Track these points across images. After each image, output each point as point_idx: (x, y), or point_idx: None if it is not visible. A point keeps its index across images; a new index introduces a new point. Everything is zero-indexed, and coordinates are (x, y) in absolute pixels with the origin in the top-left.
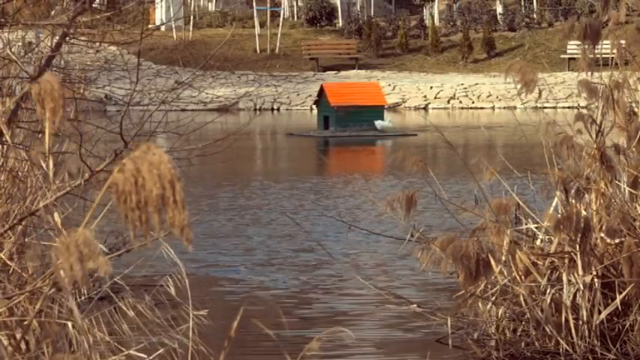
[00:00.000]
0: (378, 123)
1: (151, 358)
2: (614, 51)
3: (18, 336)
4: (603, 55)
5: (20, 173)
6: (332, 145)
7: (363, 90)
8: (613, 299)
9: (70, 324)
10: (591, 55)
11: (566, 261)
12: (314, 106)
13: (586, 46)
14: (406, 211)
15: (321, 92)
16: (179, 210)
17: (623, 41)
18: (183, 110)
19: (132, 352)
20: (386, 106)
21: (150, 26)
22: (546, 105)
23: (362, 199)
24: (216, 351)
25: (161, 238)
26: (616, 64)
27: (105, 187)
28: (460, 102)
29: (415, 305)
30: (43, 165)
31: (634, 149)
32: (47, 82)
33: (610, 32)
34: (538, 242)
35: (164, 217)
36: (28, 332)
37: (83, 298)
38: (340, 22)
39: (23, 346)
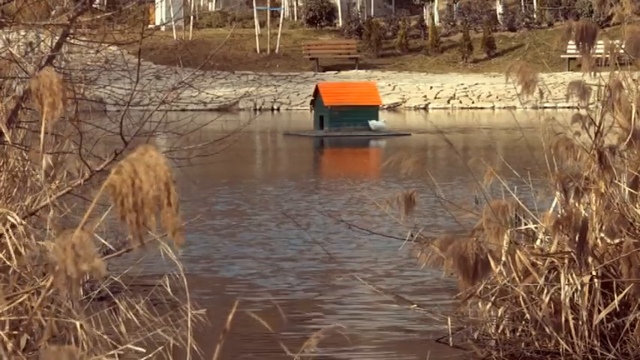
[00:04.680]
0: (372, 123)
1: (149, 357)
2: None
3: (15, 335)
4: (600, 56)
5: (20, 173)
6: (325, 145)
7: (358, 90)
8: (613, 299)
9: (77, 323)
10: (588, 58)
11: (566, 261)
12: (312, 106)
13: (582, 49)
14: (405, 210)
15: (317, 92)
16: (172, 213)
17: (617, 41)
18: (183, 110)
19: (130, 351)
20: (381, 106)
21: (150, 26)
22: (546, 105)
23: (356, 199)
24: (214, 350)
25: (159, 238)
26: (615, 64)
27: (102, 188)
28: (460, 102)
29: (415, 305)
30: (43, 163)
31: (635, 151)
32: (46, 77)
33: (604, 34)
34: (538, 242)
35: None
36: (25, 332)
37: (83, 297)
38: (340, 22)
39: (11, 344)
